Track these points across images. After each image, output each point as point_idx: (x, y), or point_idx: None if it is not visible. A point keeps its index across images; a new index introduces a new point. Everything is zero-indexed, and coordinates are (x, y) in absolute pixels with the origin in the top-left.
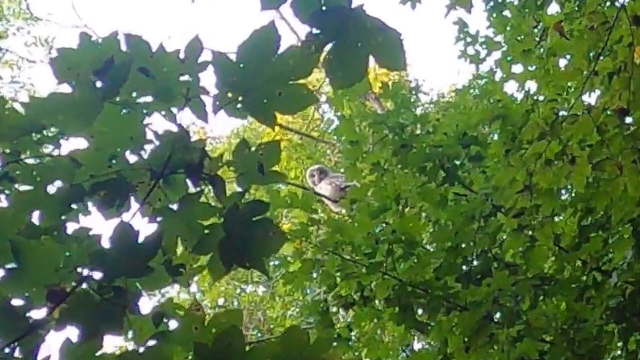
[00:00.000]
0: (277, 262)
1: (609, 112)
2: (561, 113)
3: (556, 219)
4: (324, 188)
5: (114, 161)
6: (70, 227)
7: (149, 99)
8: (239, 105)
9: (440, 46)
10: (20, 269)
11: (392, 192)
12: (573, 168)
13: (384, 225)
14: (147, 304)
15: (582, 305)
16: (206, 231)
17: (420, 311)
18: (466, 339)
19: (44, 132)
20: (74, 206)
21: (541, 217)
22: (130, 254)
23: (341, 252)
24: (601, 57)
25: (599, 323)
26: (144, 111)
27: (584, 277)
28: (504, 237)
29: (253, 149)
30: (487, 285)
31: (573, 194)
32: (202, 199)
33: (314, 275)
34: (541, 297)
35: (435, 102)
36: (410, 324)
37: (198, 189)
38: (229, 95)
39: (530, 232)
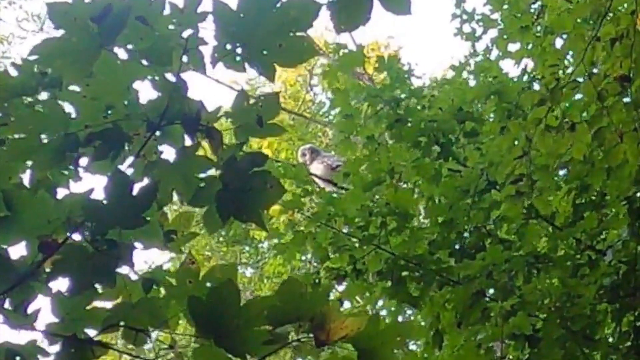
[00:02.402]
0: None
1: (610, 80)
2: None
3: (550, 198)
4: (316, 167)
5: (109, 111)
6: (61, 193)
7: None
8: (237, 58)
9: (434, 28)
10: (12, 220)
11: (386, 165)
12: (573, 135)
13: (377, 198)
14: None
15: (577, 280)
16: (202, 184)
17: (412, 285)
18: (458, 315)
19: (36, 94)
20: (65, 172)
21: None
22: (125, 205)
23: (334, 224)
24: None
25: (593, 302)
26: (142, 60)
27: (578, 256)
28: (498, 214)
29: (252, 101)
30: (482, 260)
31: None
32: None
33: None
34: (535, 274)
35: (427, 86)
36: (402, 298)
37: (195, 141)
38: (228, 46)
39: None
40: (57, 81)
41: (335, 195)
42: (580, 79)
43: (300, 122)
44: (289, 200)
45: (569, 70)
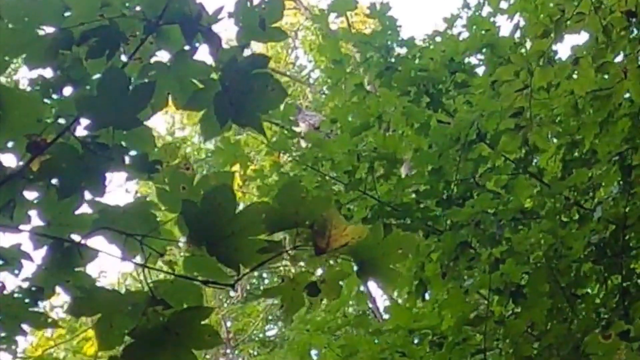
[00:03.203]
0: None
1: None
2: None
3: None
4: (299, 126)
5: (105, 9)
6: None
7: None
8: None
9: None
10: (0, 118)
11: (375, 111)
12: (575, 69)
13: (365, 144)
14: None
15: (567, 231)
16: (201, 86)
17: None
18: (443, 266)
19: None
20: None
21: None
22: (119, 102)
23: (320, 168)
24: None
25: (579, 259)
26: None
27: (567, 212)
28: (487, 167)
29: (255, 2)
30: (471, 207)
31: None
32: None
33: None
34: (522, 228)
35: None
36: None
37: (193, 44)
38: None
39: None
40: None
41: (322, 137)
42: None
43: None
44: (275, 141)
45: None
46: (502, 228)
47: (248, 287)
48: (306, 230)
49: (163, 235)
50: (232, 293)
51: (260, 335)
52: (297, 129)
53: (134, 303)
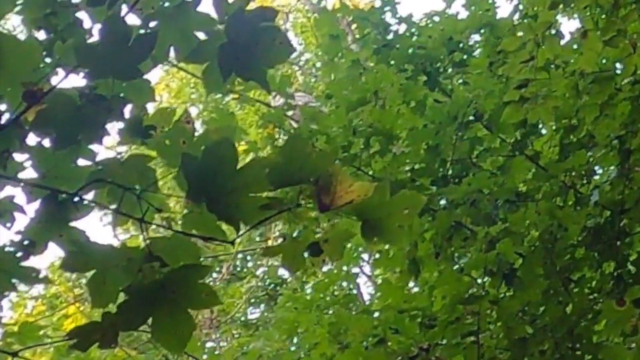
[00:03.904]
0: None
1: None
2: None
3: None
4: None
5: None
6: None
7: None
8: None
9: None
10: None
11: (372, 86)
12: (583, 42)
13: (361, 120)
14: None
15: (565, 212)
16: (204, 37)
17: None
18: (437, 246)
19: None
20: None
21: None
22: (120, 52)
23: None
24: None
25: (575, 244)
26: None
27: (563, 196)
28: (484, 147)
29: None
30: (467, 185)
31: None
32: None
33: None
34: (516, 209)
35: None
36: None
37: None
38: None
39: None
40: None
41: (318, 111)
42: None
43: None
44: (269, 113)
45: None
46: (497, 208)
47: (232, 269)
48: (310, 186)
49: (162, 190)
50: (214, 274)
51: (243, 319)
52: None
53: (130, 259)
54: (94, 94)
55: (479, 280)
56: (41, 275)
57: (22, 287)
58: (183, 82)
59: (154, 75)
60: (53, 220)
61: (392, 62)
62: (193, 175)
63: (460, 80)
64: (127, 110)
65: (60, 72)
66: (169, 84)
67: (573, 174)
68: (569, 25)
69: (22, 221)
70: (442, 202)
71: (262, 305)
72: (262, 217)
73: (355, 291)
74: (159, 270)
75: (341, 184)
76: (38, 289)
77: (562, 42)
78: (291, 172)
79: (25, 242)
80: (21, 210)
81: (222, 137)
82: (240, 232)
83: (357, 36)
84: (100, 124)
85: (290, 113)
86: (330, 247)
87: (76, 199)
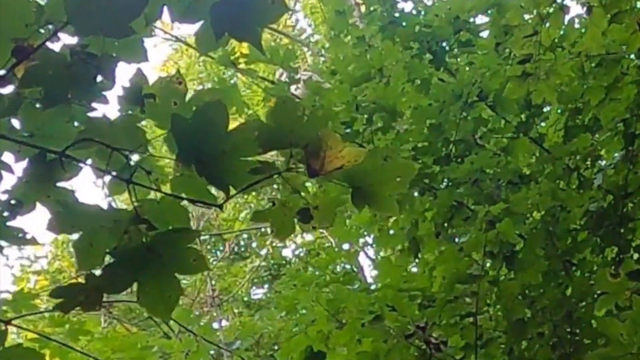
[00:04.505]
0: None
1: None
2: None
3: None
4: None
5: None
6: None
7: None
8: None
9: None
10: None
11: (376, 63)
12: (588, 19)
13: (365, 95)
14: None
15: (567, 194)
16: None
17: None
18: (438, 225)
19: None
20: None
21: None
22: (112, 8)
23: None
24: None
25: (577, 228)
26: None
27: (567, 179)
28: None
29: None
30: (470, 163)
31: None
32: None
33: None
34: (518, 190)
35: None
36: None
37: None
38: None
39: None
40: None
41: (322, 86)
42: None
43: (281, 45)
44: (272, 87)
45: None
46: (500, 188)
47: (235, 248)
48: (301, 151)
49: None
50: (218, 253)
51: (245, 299)
52: (294, 90)
53: (116, 220)
54: (84, 52)
55: (479, 261)
56: (28, 237)
57: (25, 261)
58: (192, 60)
59: (163, 53)
60: (41, 180)
61: (398, 40)
62: (183, 137)
63: (467, 61)
64: (124, 76)
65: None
66: (177, 62)
67: (577, 157)
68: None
69: (9, 180)
70: (445, 180)
71: (266, 286)
72: (252, 182)
73: (357, 271)
74: (145, 233)
75: (331, 149)
76: (41, 263)
77: (568, 18)
78: (281, 135)
79: (13, 202)
80: (9, 169)
81: (214, 98)
82: (230, 196)
83: (368, 8)
84: (90, 82)
85: (294, 89)
86: (320, 214)
87: (64, 159)
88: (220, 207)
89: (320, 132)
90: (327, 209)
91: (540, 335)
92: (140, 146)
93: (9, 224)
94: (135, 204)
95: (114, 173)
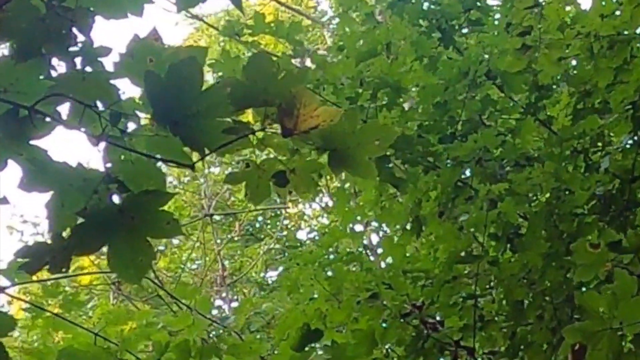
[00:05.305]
0: None
1: None
2: None
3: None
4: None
5: None
6: None
7: None
8: None
9: None
10: None
11: (384, 38)
12: None
13: (370, 70)
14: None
15: (571, 174)
16: None
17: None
18: (441, 204)
19: None
20: None
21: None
22: None
23: (321, 92)
24: None
25: (582, 212)
26: None
27: (574, 160)
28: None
29: None
30: (474, 142)
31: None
32: None
33: None
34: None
35: None
36: (384, 177)
37: None
38: None
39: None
40: None
41: (326, 59)
42: None
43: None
44: (277, 60)
45: None
46: (504, 168)
47: (251, 229)
48: (276, 110)
49: (125, 110)
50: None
51: (259, 281)
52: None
53: (87, 179)
54: (60, 5)
55: (480, 241)
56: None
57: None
58: (212, 39)
59: (183, 33)
60: (13, 137)
61: (406, 17)
62: (156, 95)
63: (476, 41)
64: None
65: None
66: (197, 41)
67: (586, 139)
68: None
69: None
70: (449, 160)
71: (280, 268)
72: (227, 140)
73: (364, 252)
74: (117, 193)
75: (305, 107)
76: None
77: None
78: (255, 93)
79: None
80: None
81: (189, 55)
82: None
83: None
84: (65, 36)
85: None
86: (297, 178)
87: (37, 115)
88: (192, 167)
89: (293, 90)
90: (304, 174)
91: (540, 318)
92: (113, 103)
93: None
94: (108, 164)
95: (83, 130)
